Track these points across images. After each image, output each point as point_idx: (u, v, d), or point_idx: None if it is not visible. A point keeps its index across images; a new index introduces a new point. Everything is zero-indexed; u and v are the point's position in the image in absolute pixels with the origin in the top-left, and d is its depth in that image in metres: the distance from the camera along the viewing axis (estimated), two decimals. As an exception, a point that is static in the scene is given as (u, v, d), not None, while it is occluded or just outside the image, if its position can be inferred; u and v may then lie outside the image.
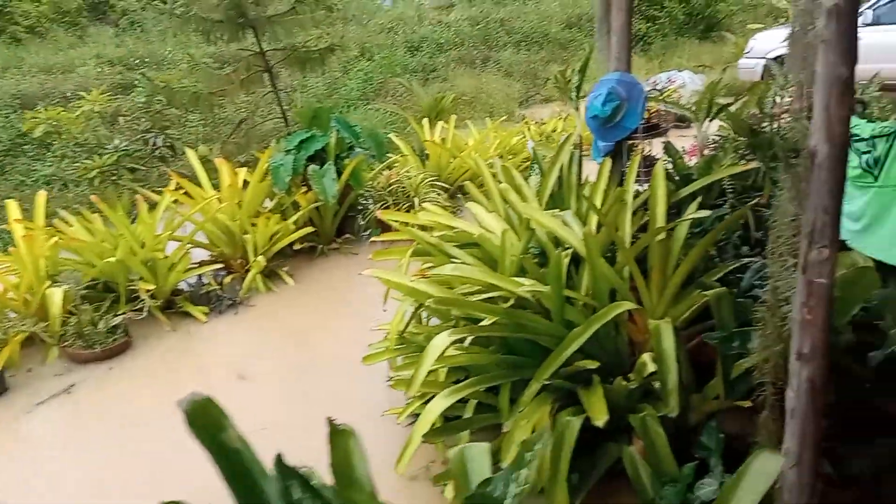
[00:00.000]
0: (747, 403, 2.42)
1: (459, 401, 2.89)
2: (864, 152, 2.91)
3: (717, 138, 5.23)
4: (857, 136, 2.93)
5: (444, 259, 3.56)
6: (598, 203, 3.56)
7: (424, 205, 4.52)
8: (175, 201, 5.29)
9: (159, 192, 5.30)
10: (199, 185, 5.57)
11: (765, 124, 5.24)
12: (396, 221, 3.78)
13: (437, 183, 6.36)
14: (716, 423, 2.58)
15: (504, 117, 9.43)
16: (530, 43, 15.45)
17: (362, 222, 6.02)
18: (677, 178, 4.20)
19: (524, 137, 7.73)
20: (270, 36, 6.50)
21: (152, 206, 5.15)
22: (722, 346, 2.48)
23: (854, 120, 2.99)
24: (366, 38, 15.69)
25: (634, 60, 13.73)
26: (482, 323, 2.83)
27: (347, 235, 5.93)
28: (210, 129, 9.07)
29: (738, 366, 2.50)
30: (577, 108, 4.32)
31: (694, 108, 4.63)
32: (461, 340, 2.99)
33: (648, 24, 14.83)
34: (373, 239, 4.04)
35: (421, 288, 3.21)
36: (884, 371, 2.64)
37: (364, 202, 6.18)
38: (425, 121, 7.38)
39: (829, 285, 2.11)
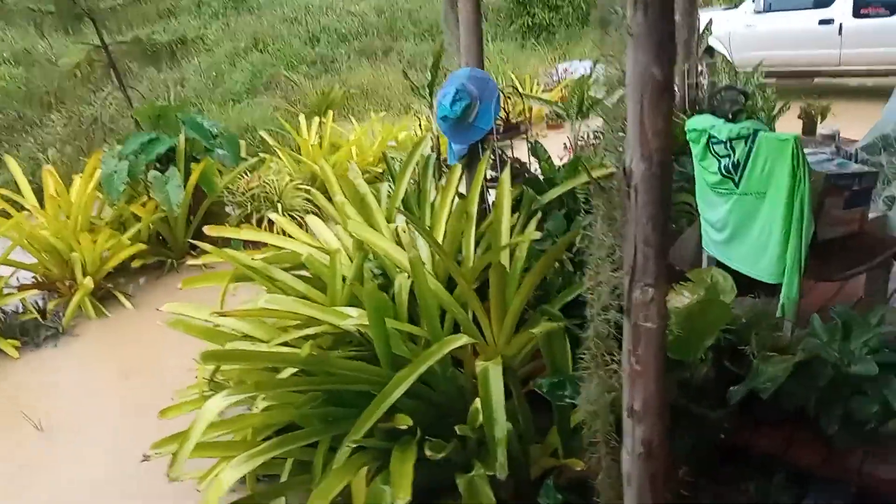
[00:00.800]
0: (580, 465, 2.03)
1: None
2: (723, 156, 2.57)
3: (599, 135, 4.90)
4: (715, 138, 2.59)
5: (271, 286, 3.06)
6: (443, 216, 3.13)
7: (271, 215, 3.98)
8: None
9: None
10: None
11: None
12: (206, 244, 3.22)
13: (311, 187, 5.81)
14: (554, 480, 2.20)
15: (390, 111, 8.96)
16: (435, 33, 14.96)
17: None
18: (545, 182, 3.82)
19: (412, 133, 7.26)
20: (113, 28, 5.80)
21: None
22: (551, 394, 2.08)
23: (711, 120, 2.66)
24: (265, 28, 14.87)
25: (538, 51, 13.44)
26: (281, 375, 2.34)
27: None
28: (71, 131, 8.20)
29: (574, 416, 2.12)
30: (431, 108, 3.88)
31: (562, 105, 4.26)
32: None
33: (552, 14, 14.57)
34: (189, 262, 3.48)
35: (230, 326, 2.71)
36: (748, 402, 2.32)
37: (230, 210, 5.61)
38: (302, 117, 6.81)
39: (658, 330, 1.73)
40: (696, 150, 2.68)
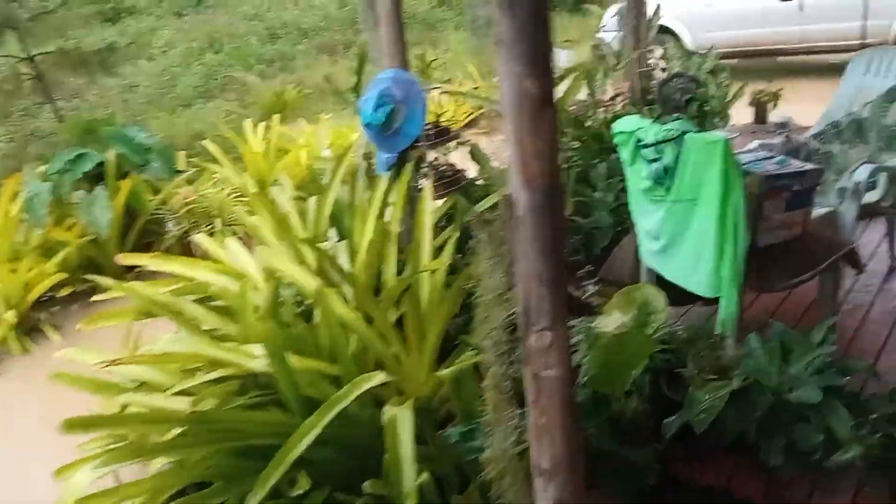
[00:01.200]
0: (497, 525, 1.82)
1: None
2: (653, 160, 2.36)
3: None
4: (643, 141, 2.38)
5: (180, 321, 2.82)
6: (367, 235, 2.89)
7: (197, 236, 3.73)
8: None
9: None
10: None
11: (590, 114, 4.74)
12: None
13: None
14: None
15: (350, 109, 8.66)
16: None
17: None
18: (483, 190, 3.60)
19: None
20: (41, 38, 5.50)
21: None
22: (460, 445, 1.87)
23: (638, 121, 2.44)
24: (223, 26, 14.48)
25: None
26: (169, 436, 2.11)
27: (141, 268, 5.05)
28: (15, 146, 7.85)
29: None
30: (358, 114, 3.63)
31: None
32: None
33: (516, 0, 14.25)
34: (94, 298, 3.24)
35: (129, 374, 2.47)
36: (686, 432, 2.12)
37: (172, 226, 5.34)
38: (247, 122, 6.52)
39: (562, 378, 1.52)
40: (624, 154, 2.47)
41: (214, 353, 2.41)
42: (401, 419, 1.98)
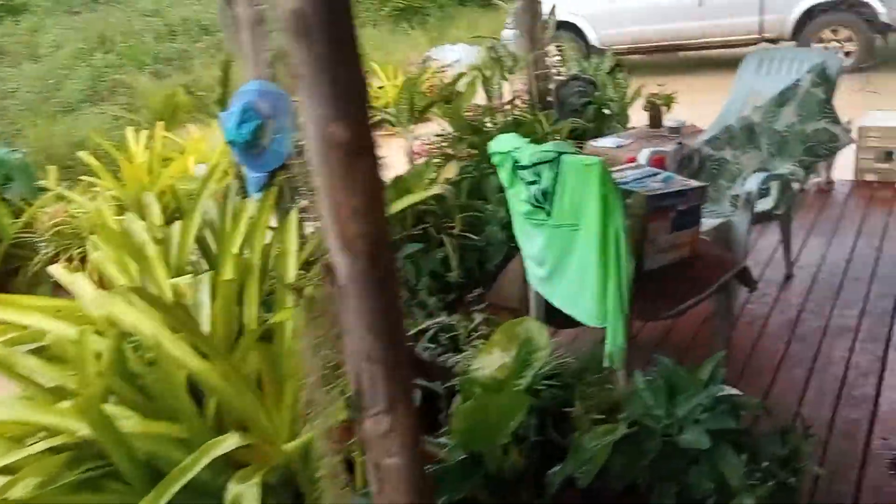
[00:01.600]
0: None
1: None
2: (531, 182, 2.16)
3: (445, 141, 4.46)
4: (520, 162, 2.17)
5: (20, 379, 2.44)
6: (226, 271, 2.59)
7: (52, 268, 3.30)
8: None
9: None
10: None
11: (486, 118, 4.56)
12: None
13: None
14: None
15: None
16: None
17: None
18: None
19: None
20: None
21: None
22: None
23: (514, 141, 2.23)
24: (117, 24, 13.58)
25: (413, 35, 12.91)
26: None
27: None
28: None
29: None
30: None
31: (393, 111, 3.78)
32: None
33: (425, -6, 14.05)
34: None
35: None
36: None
37: (45, 250, 4.83)
38: (129, 130, 6.01)
39: (408, 465, 1.30)
40: (502, 175, 2.27)
41: (42, 418, 2.07)
42: (246, 497, 1.71)
